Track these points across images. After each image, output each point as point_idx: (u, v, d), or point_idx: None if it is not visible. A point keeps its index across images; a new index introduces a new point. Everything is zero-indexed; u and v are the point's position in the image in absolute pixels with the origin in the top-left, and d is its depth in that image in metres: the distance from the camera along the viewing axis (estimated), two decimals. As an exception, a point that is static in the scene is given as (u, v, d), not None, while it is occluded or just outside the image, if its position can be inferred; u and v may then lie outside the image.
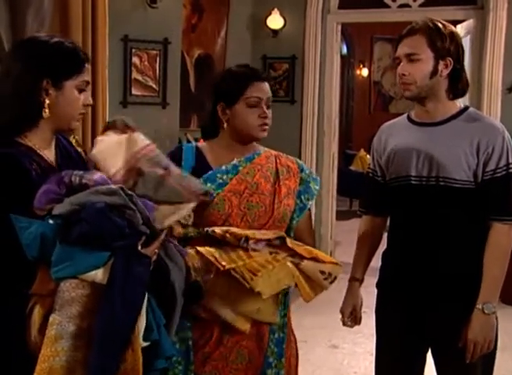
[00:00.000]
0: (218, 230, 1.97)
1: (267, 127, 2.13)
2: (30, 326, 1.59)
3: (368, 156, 10.14)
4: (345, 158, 10.57)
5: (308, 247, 2.08)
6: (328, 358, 4.20)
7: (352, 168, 10.23)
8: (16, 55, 1.78)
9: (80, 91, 1.80)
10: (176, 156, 2.13)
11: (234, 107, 2.12)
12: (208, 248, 1.95)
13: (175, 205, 1.68)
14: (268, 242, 2.00)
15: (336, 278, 2.07)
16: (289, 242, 2.03)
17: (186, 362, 2.04)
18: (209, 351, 2.04)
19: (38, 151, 1.77)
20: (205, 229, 1.99)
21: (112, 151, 1.71)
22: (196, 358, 2.04)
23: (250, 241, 1.95)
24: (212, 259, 1.91)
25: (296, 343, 2.27)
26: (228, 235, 1.95)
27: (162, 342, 1.64)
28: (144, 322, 1.61)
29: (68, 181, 1.60)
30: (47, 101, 1.74)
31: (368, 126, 10.49)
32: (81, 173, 1.64)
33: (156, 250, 1.66)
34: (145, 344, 1.61)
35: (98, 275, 1.55)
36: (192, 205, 1.71)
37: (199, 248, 1.94)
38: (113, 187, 1.60)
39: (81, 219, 1.53)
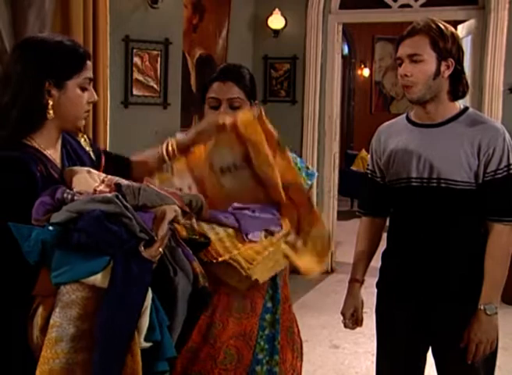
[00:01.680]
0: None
1: None
2: (32, 327, 1.59)
3: (368, 156, 10.10)
4: (346, 159, 10.56)
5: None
6: (329, 358, 4.20)
7: (353, 168, 10.22)
8: (16, 57, 1.76)
9: (83, 89, 1.79)
10: None
11: (204, 107, 2.13)
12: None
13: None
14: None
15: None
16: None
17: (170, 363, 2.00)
18: (192, 346, 2.01)
19: (44, 151, 1.77)
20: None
21: (84, 179, 1.72)
22: (180, 355, 1.96)
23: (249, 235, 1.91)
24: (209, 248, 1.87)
25: (301, 345, 2.25)
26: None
27: (164, 343, 1.63)
28: (147, 322, 1.60)
29: (60, 197, 1.60)
30: (50, 103, 1.73)
31: (369, 127, 10.41)
32: (73, 191, 1.64)
33: (160, 250, 1.64)
34: (147, 345, 1.59)
35: (98, 279, 1.55)
36: (175, 205, 1.67)
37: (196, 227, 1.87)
38: (108, 195, 1.59)
39: (78, 228, 1.53)
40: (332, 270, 6.24)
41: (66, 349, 1.52)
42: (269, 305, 2.13)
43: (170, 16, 4.88)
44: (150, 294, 1.62)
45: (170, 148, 2.01)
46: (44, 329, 1.56)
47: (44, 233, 1.55)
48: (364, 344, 4.27)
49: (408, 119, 2.33)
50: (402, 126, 2.34)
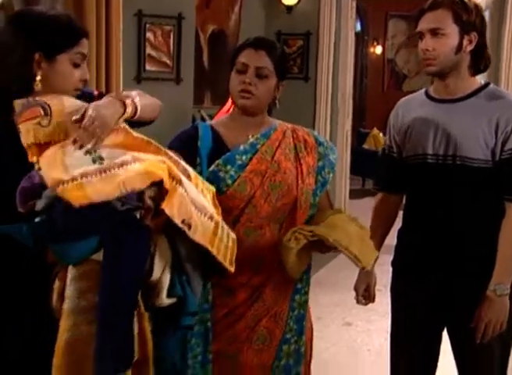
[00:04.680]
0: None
1: (248, 95, 2.05)
2: (52, 292, 1.61)
3: (381, 135, 10.09)
4: (358, 137, 10.51)
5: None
6: (342, 335, 4.22)
7: (365, 147, 10.17)
8: (8, 28, 1.74)
9: (75, 65, 1.75)
10: (192, 135, 2.10)
11: (231, 73, 2.10)
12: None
13: None
14: None
15: None
16: None
17: (204, 343, 2.05)
18: (234, 333, 2.06)
19: None
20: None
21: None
22: (220, 338, 2.05)
23: None
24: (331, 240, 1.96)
25: (310, 317, 2.26)
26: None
27: (187, 298, 1.65)
28: (168, 279, 1.61)
29: (38, 181, 1.57)
30: (39, 75, 1.71)
31: (381, 105, 10.40)
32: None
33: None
34: (170, 301, 1.61)
35: (101, 255, 1.55)
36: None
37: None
38: None
39: (54, 218, 1.51)
40: (345, 248, 6.24)
41: (79, 321, 1.54)
42: (299, 286, 2.15)
43: (183, -10, 4.83)
44: (169, 253, 1.63)
45: None
46: (61, 296, 1.58)
47: (32, 226, 1.54)
48: (376, 321, 4.27)
49: (427, 94, 2.29)
50: (420, 101, 2.30)
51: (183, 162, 1.70)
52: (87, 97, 1.88)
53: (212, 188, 1.82)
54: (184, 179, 1.63)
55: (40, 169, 1.55)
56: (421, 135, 2.23)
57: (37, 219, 1.54)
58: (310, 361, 2.24)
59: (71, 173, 1.50)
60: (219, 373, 2.07)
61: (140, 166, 1.55)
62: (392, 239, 2.42)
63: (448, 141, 2.17)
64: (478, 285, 2.16)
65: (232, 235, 1.76)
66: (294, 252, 1.96)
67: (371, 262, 2.06)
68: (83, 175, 1.50)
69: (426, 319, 2.28)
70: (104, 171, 1.52)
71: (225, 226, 1.75)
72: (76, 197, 1.46)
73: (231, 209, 2.02)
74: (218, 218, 1.73)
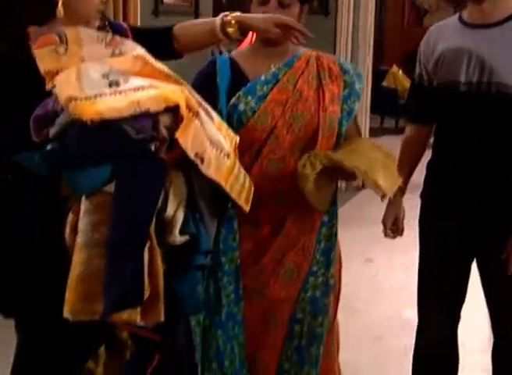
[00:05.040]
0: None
1: None
2: (65, 226, 1.59)
3: (400, 72, 9.90)
4: (377, 75, 10.29)
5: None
6: (362, 271, 4.24)
7: (384, 84, 9.96)
8: None
9: None
10: (210, 73, 2.06)
11: (251, 4, 2.05)
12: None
13: None
14: None
15: None
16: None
17: (236, 280, 2.07)
18: (260, 268, 2.07)
19: None
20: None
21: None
22: (247, 274, 2.07)
23: None
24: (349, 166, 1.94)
25: (339, 250, 2.26)
26: None
27: (200, 236, 1.62)
28: (182, 215, 1.59)
29: (52, 109, 1.53)
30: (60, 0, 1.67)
31: (401, 41, 10.18)
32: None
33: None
34: (182, 238, 1.59)
35: (113, 186, 1.53)
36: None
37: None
38: None
39: (67, 143, 1.49)
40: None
41: (93, 255, 1.52)
42: (326, 219, 2.15)
43: None
44: (185, 190, 1.60)
45: (229, 28, 1.95)
46: (74, 230, 1.56)
47: (44, 154, 1.52)
48: (398, 257, 4.28)
49: (461, 19, 2.20)
50: (453, 27, 2.22)
51: (206, 105, 1.65)
52: (114, 28, 1.85)
53: (236, 136, 1.77)
54: (203, 114, 1.58)
55: (54, 86, 1.51)
56: (453, 63, 2.16)
57: (48, 147, 1.52)
58: (339, 293, 2.25)
59: (86, 92, 1.46)
60: (249, 309, 2.09)
61: (156, 90, 1.50)
62: (419, 176, 2.37)
63: (482, 67, 2.09)
64: (511, 213, 2.13)
65: (249, 178, 1.73)
66: (311, 180, 1.92)
67: (394, 189, 2.02)
68: (98, 95, 1.46)
69: (458, 248, 2.25)
70: (120, 92, 1.48)
71: (243, 169, 1.72)
72: (88, 112, 1.43)
73: (253, 141, 2.00)
74: (236, 160, 1.69)
